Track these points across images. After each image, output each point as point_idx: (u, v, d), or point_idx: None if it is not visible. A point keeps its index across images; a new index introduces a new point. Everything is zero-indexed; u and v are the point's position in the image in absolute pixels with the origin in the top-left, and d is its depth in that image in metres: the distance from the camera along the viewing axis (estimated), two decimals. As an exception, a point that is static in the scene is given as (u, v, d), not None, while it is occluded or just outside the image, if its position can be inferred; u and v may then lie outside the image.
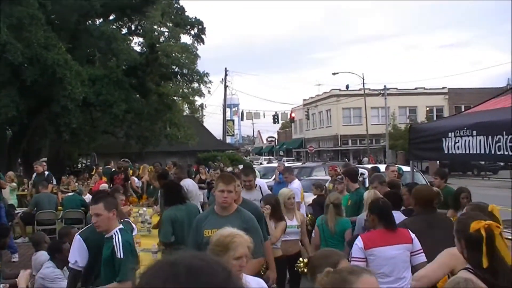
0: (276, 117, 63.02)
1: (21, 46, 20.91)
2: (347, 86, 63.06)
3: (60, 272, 6.71)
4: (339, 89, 64.46)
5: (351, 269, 2.85)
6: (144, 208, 12.51)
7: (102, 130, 30.91)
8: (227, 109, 66.24)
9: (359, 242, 5.38)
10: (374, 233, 5.50)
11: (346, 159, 52.01)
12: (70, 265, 5.60)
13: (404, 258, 5.35)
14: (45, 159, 36.49)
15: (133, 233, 6.89)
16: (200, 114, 69.75)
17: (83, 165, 40.77)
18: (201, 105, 53.66)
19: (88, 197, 15.71)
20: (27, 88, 22.21)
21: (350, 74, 61.46)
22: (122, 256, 4.97)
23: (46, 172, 15.75)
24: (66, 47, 22.88)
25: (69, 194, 15.42)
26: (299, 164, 31.70)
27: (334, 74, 56.04)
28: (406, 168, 14.77)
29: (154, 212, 11.29)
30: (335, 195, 8.55)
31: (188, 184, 10.40)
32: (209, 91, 30.96)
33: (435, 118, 50.59)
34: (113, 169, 18.02)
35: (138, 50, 28.47)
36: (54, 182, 16.92)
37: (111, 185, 14.80)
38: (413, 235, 5.39)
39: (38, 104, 24.43)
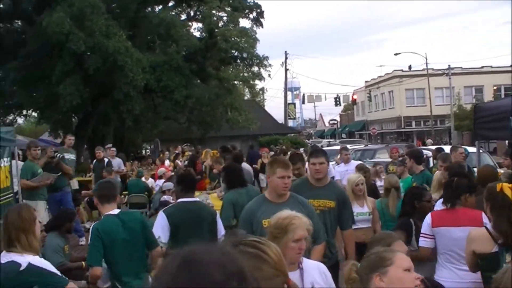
0: (337, 99, 62.24)
1: (83, 35, 21.31)
2: (409, 67, 61.74)
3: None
4: (402, 70, 63.10)
5: (387, 249, 3.03)
6: (207, 193, 12.56)
7: (164, 116, 31.30)
8: (289, 93, 65.99)
9: (428, 219, 5.45)
10: (445, 212, 5.43)
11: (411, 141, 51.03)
12: None
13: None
14: (110, 145, 37.33)
15: None
16: (261, 98, 69.84)
17: (147, 151, 41.37)
18: (262, 89, 53.62)
19: (149, 182, 15.97)
20: (90, 77, 22.66)
21: (412, 54, 60.06)
22: None
23: (106, 159, 16.00)
24: (126, 34, 23.18)
25: (132, 179, 15.61)
26: (361, 146, 31.20)
27: (396, 54, 54.97)
28: (472, 149, 14.29)
29: (217, 196, 11.30)
30: (395, 178, 8.33)
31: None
32: (269, 75, 30.80)
33: (503, 97, 48.91)
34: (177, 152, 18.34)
35: (198, 36, 28.55)
36: (122, 167, 17.21)
37: (194, 169, 14.90)
38: (486, 220, 4.96)
39: (101, 91, 24.91)
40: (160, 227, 5.86)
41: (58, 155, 12.14)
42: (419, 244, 5.55)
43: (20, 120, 44.36)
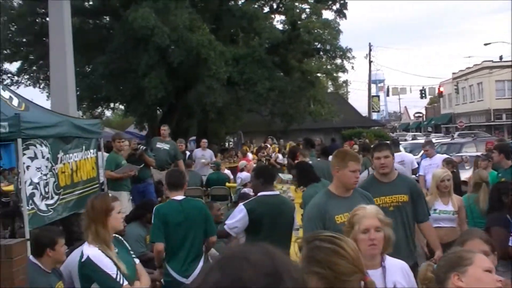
0: (423, 92, 60.85)
1: (168, 29, 21.66)
2: (500, 57, 59.44)
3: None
4: (492, 61, 60.82)
5: (468, 250, 2.89)
6: (288, 185, 12.54)
7: (247, 109, 31.48)
8: (373, 85, 65.09)
9: None
10: None
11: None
12: (225, 227, 5.97)
13: None
14: (194, 137, 37.96)
15: None
16: (345, 91, 69.22)
17: (230, 143, 41.82)
18: (346, 82, 53.09)
19: (226, 172, 16.12)
20: (174, 70, 23.07)
21: (503, 44, 57.81)
22: None
23: (188, 152, 16.24)
24: (209, 28, 23.41)
25: (214, 172, 15.75)
26: (447, 140, 30.32)
27: (485, 44, 52.93)
28: None
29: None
30: (485, 172, 7.97)
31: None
32: (352, 67, 30.32)
33: None
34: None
35: (280, 28, 28.48)
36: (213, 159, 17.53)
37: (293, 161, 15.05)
38: None
39: (185, 84, 25.31)
40: (236, 219, 5.86)
41: (142, 147, 12.36)
42: None
43: (107, 113, 45.94)
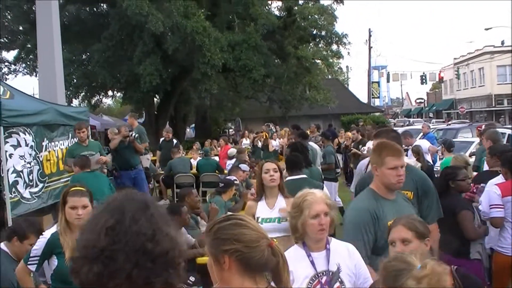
0: (423, 77, 60.64)
1: (162, 16, 21.59)
2: (502, 42, 59.17)
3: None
4: (493, 46, 60.51)
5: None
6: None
7: (246, 95, 31.47)
8: (375, 71, 64.94)
9: (497, 190, 5.74)
10: (509, 183, 5.78)
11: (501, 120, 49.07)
12: None
13: None
14: (193, 125, 38.00)
15: None
16: (345, 77, 69.02)
17: (230, 130, 41.87)
18: (344, 67, 52.95)
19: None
20: (169, 57, 23.05)
21: (505, 28, 57.51)
22: None
23: (175, 140, 16.34)
24: (205, 14, 23.32)
25: (203, 158, 15.82)
26: (444, 125, 30.34)
27: (487, 29, 52.83)
28: None
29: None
30: (466, 156, 8.05)
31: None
32: (348, 53, 30.33)
33: None
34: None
35: (277, 14, 28.38)
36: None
37: None
38: None
39: (180, 71, 25.28)
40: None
41: (133, 134, 12.37)
42: (492, 215, 5.75)
43: (107, 101, 45.94)
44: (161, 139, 16.98)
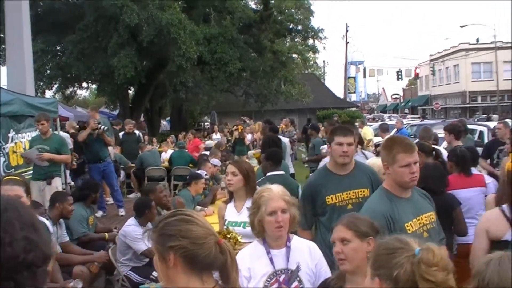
0: (399, 73, 60.99)
1: (137, 8, 21.40)
2: (477, 39, 59.88)
3: (141, 231, 6.73)
4: (468, 43, 61.17)
5: None
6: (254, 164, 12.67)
7: (221, 89, 31.35)
8: (353, 67, 65.17)
9: None
10: (452, 177, 6.20)
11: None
12: None
13: (479, 200, 6.10)
14: (169, 118, 37.80)
15: None
16: (322, 71, 69.17)
17: (205, 123, 41.76)
18: (323, 62, 53.13)
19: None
20: (144, 49, 22.82)
21: (480, 26, 58.08)
22: None
23: (137, 132, 16.20)
24: (181, 7, 23.15)
25: (177, 150, 15.73)
26: (418, 121, 30.56)
27: (462, 27, 53.25)
28: None
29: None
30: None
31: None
32: (324, 48, 30.29)
33: None
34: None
35: (254, 8, 28.30)
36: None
37: None
38: (488, 180, 6.34)
39: (155, 64, 25.08)
40: None
41: (102, 126, 12.23)
42: None
43: (82, 93, 45.42)
44: (122, 133, 16.64)
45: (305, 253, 3.61)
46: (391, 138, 4.33)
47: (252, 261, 3.52)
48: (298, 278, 3.52)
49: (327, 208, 4.85)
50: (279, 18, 26.12)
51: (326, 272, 3.61)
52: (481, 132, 16.57)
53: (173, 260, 2.19)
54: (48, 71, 25.92)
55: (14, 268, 1.55)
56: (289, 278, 3.51)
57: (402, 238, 2.32)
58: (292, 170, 11.05)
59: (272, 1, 26.88)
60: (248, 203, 4.99)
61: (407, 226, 3.76)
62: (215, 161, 11.60)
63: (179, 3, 23.30)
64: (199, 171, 9.73)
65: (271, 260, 3.53)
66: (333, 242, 3.23)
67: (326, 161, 6.33)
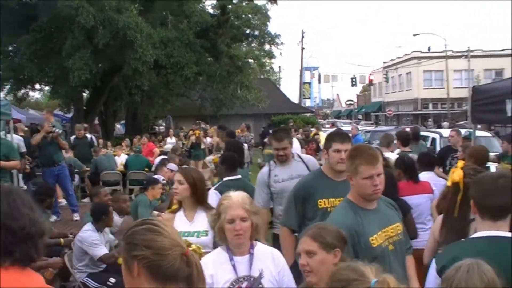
0: (354, 80, 61.73)
1: (93, 9, 21.16)
2: (429, 48, 61.10)
3: (98, 237, 6.66)
4: (421, 51, 62.37)
5: None
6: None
7: (177, 93, 31.25)
8: (307, 72, 65.64)
9: None
10: (401, 184, 6.24)
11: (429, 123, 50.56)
12: None
13: (427, 206, 6.39)
14: (123, 121, 37.39)
15: None
16: (277, 77, 69.52)
17: (160, 127, 41.47)
18: (279, 68, 53.46)
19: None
20: (100, 52, 22.54)
21: (432, 35, 59.33)
22: None
23: (89, 135, 16.05)
24: (138, 10, 22.98)
25: (133, 154, 15.61)
26: (372, 128, 31.03)
27: (415, 35, 54.39)
28: (483, 133, 15.30)
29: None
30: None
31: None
32: (280, 53, 30.58)
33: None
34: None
35: (211, 12, 28.31)
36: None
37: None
38: (434, 187, 6.53)
39: (111, 67, 24.79)
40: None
41: (56, 130, 12.05)
42: None
43: (35, 94, 44.56)
44: (73, 137, 16.30)
45: (269, 261, 3.63)
46: (355, 148, 4.11)
47: (215, 268, 3.53)
48: (260, 286, 3.53)
49: (318, 212, 4.77)
50: (236, 23, 26.22)
51: (289, 280, 3.64)
52: (433, 139, 16.90)
53: (137, 270, 2.17)
54: (0, 72, 25.40)
55: (22, 237, 2.04)
56: (252, 285, 3.52)
57: (358, 268, 2.28)
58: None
59: (230, 6, 26.95)
60: (200, 213, 4.91)
61: (372, 240, 3.65)
62: (172, 165, 11.55)
63: (136, 6, 23.05)
64: (155, 176, 9.68)
65: (234, 267, 3.54)
66: (299, 254, 3.21)
67: None
